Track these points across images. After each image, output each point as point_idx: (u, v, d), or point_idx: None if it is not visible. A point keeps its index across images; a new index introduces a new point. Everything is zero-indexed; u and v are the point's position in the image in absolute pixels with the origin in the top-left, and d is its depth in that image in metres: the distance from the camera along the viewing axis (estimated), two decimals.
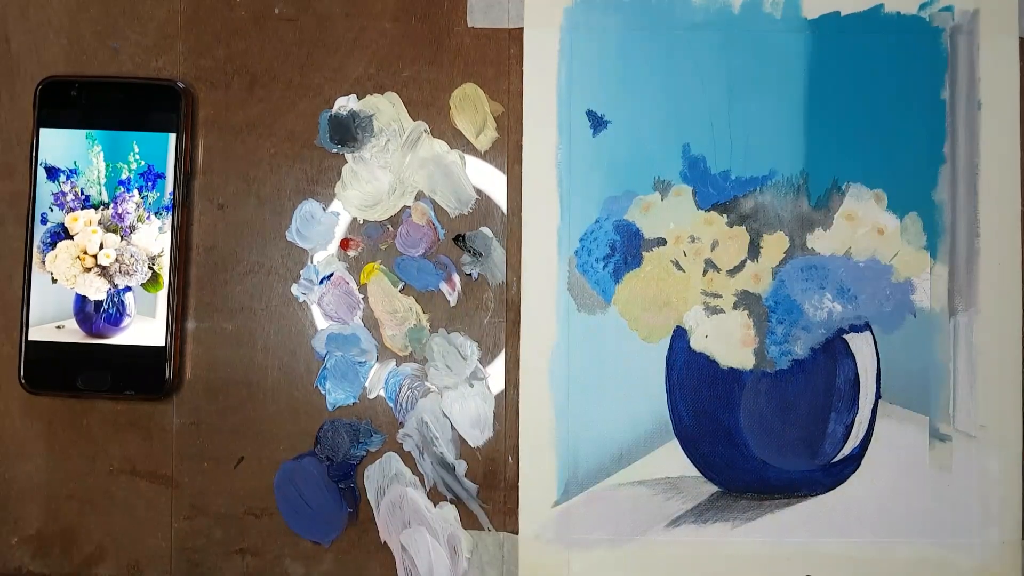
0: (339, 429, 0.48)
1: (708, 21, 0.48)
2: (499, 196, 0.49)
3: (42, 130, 0.48)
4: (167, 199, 0.48)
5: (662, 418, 0.48)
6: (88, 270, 0.47)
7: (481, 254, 0.48)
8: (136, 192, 0.48)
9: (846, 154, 0.48)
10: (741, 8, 0.48)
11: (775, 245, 0.48)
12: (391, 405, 0.48)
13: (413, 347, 0.49)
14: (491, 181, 0.49)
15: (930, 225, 0.48)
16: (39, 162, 0.48)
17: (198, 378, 0.49)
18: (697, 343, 0.48)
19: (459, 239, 0.49)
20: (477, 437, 0.48)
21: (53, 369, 0.48)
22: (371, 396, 0.48)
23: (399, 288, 0.49)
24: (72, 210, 0.47)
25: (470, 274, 0.49)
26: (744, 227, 0.48)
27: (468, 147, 0.49)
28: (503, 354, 0.48)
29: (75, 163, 0.48)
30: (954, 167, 0.48)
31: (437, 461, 0.48)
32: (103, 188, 0.48)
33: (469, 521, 0.48)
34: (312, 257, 0.49)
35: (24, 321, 0.48)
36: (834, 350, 0.48)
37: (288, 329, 0.49)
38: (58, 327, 0.48)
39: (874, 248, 0.48)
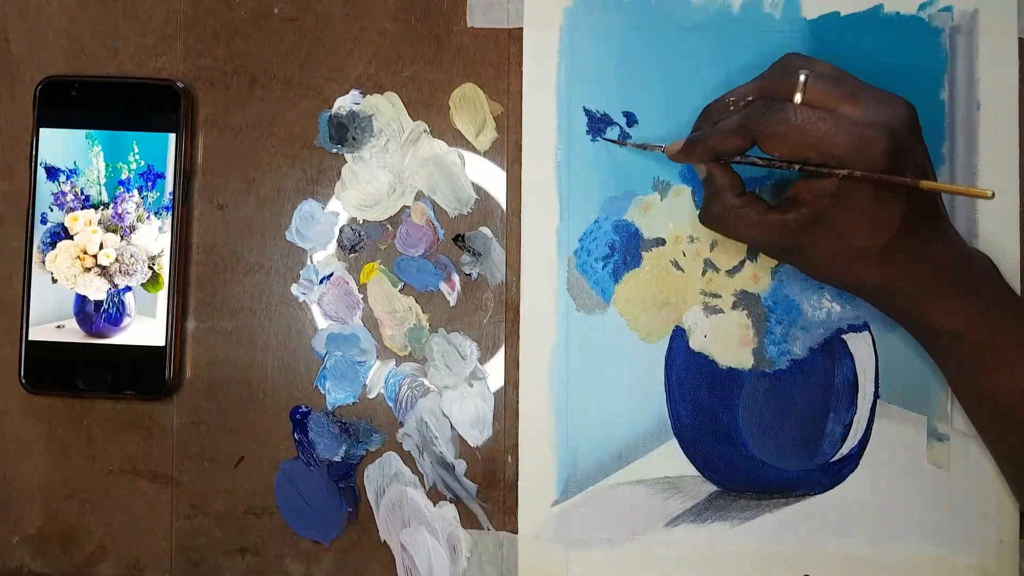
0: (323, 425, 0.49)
1: (708, 21, 0.48)
2: (499, 196, 0.49)
3: (42, 130, 0.48)
4: (167, 199, 0.48)
5: (661, 418, 0.48)
6: (88, 270, 0.47)
7: (480, 254, 0.49)
8: (136, 192, 0.48)
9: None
10: (741, 8, 0.48)
11: None
12: (391, 405, 0.49)
13: (413, 347, 0.49)
14: (491, 181, 0.49)
15: None
16: (39, 162, 0.48)
17: (198, 378, 0.49)
18: (696, 343, 0.48)
19: (459, 239, 0.49)
20: (476, 436, 0.48)
21: (53, 369, 0.48)
22: (371, 396, 0.49)
23: (399, 288, 0.49)
24: (72, 210, 0.48)
25: (470, 274, 0.49)
26: None
27: (468, 147, 0.49)
28: (502, 354, 0.48)
29: (75, 163, 0.48)
30: (953, 168, 0.48)
31: (437, 460, 0.48)
32: (103, 188, 0.48)
33: (469, 520, 0.48)
34: (312, 257, 0.49)
35: (24, 321, 0.48)
36: (833, 350, 0.48)
37: (288, 329, 0.49)
38: (58, 327, 0.48)
39: None
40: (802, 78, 0.40)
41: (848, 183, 0.40)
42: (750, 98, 0.43)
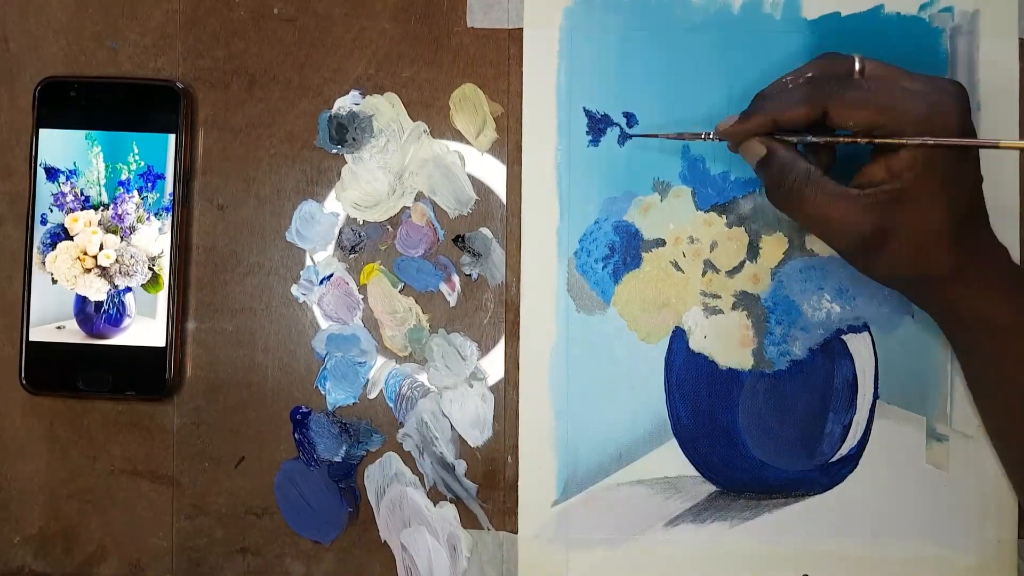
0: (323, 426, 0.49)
1: (708, 21, 0.48)
2: (499, 197, 0.49)
3: (42, 130, 0.48)
4: (167, 200, 0.48)
5: (661, 418, 0.48)
6: (88, 271, 0.47)
7: (481, 255, 0.49)
8: (136, 193, 0.48)
9: (846, 154, 0.48)
10: (741, 8, 0.48)
11: (774, 246, 0.48)
12: (391, 405, 0.49)
13: (413, 347, 0.49)
14: (491, 182, 0.49)
15: None
16: (39, 163, 0.48)
17: (198, 378, 0.49)
18: (696, 343, 0.48)
19: (459, 240, 0.49)
20: (476, 437, 0.48)
21: (54, 370, 0.48)
22: (371, 396, 0.49)
23: (399, 289, 0.49)
24: (72, 211, 0.48)
25: (470, 275, 0.49)
26: (743, 228, 0.48)
27: (468, 147, 0.49)
28: (503, 354, 0.48)
29: (75, 164, 0.48)
30: None
31: (437, 461, 0.48)
32: (103, 189, 0.48)
33: (469, 520, 0.48)
34: (312, 258, 0.49)
35: (25, 322, 0.48)
36: (832, 350, 0.48)
37: (288, 329, 0.49)
38: (59, 328, 0.48)
39: None
40: (858, 60, 0.41)
41: (924, 155, 0.39)
42: (810, 75, 0.42)
